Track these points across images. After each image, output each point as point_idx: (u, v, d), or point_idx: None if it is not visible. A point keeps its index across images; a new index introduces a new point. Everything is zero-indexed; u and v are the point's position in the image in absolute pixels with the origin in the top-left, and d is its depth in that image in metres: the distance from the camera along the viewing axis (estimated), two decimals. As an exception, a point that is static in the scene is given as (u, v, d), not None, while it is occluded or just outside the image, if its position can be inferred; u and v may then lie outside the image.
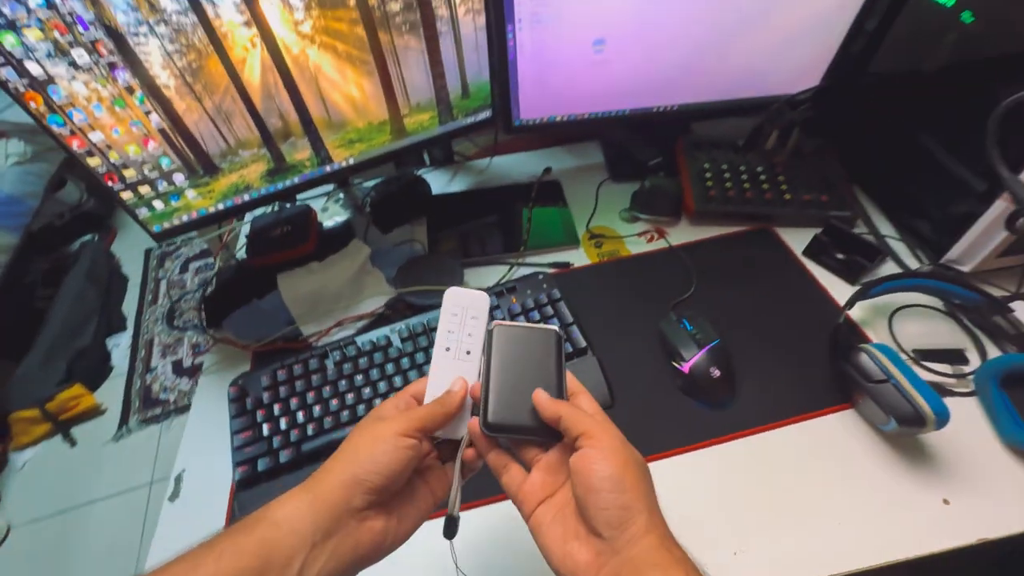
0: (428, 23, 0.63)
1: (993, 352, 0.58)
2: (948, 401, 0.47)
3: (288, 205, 0.78)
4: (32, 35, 0.47)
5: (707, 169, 0.77)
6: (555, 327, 0.38)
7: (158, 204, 0.63)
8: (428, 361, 0.59)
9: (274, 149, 0.66)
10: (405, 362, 0.59)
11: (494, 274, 0.73)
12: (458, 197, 0.85)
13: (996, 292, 0.61)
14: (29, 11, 0.46)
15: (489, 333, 0.37)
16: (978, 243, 0.61)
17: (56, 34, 0.48)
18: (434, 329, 0.61)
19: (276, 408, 0.56)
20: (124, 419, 1.50)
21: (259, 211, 0.82)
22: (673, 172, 0.80)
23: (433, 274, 0.69)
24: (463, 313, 0.38)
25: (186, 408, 1.51)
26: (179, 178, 0.62)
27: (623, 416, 0.56)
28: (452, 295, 0.38)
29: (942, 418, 0.46)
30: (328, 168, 0.71)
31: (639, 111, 0.79)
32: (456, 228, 0.80)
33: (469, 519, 0.48)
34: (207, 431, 0.60)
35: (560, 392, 0.35)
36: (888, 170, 0.75)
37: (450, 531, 0.35)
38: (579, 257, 0.74)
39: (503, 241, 0.77)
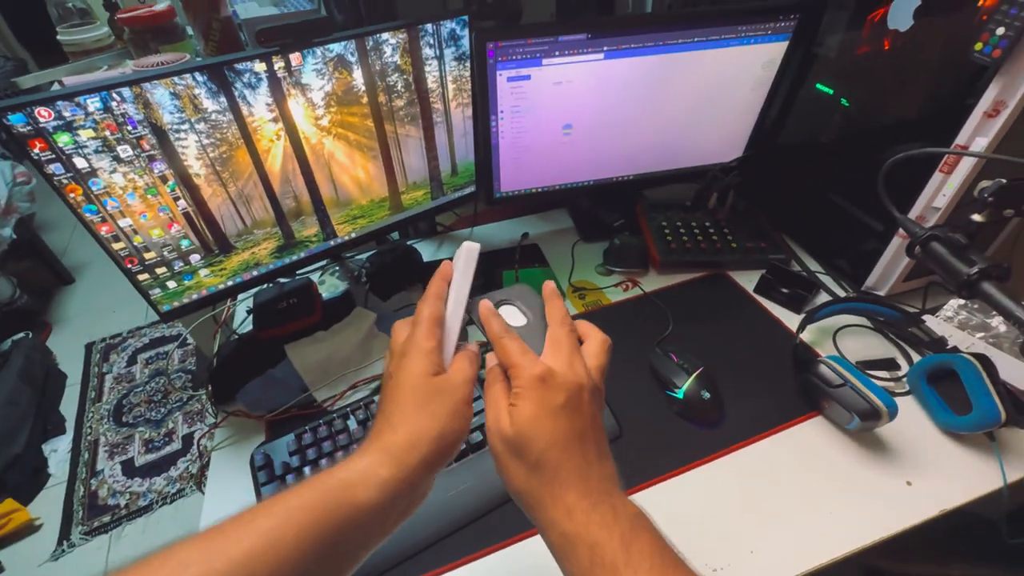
0: (426, 115, 0.74)
1: (916, 357, 0.70)
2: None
3: (285, 280, 0.82)
4: (84, 134, 0.51)
5: (665, 226, 0.90)
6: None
7: (171, 284, 0.66)
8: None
9: (285, 227, 0.71)
10: (427, 414, 0.62)
11: (492, 329, 0.79)
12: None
13: (909, 308, 0.75)
14: (87, 114, 0.51)
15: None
16: (887, 271, 0.76)
17: (107, 132, 0.52)
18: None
19: (307, 470, 0.57)
20: (64, 534, 1.34)
21: (255, 288, 0.84)
22: (636, 230, 0.93)
23: (438, 333, 0.74)
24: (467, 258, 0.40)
25: (141, 512, 1.38)
26: (195, 258, 0.66)
27: (633, 443, 0.62)
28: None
29: (893, 410, 0.56)
30: (332, 243, 0.77)
31: (601, 181, 0.92)
32: (449, 291, 0.86)
33: (490, 563, 0.51)
34: (227, 505, 0.59)
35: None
36: (808, 220, 0.92)
37: None
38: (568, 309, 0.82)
39: (495, 299, 0.84)
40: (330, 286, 0.87)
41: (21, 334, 1.77)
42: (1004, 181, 0.48)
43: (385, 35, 0.63)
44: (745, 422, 0.64)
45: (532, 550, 0.53)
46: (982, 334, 0.70)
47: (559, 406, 0.32)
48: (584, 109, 0.81)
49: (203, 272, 0.67)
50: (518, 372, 0.33)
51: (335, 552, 0.29)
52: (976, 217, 0.51)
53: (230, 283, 0.70)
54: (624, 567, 0.28)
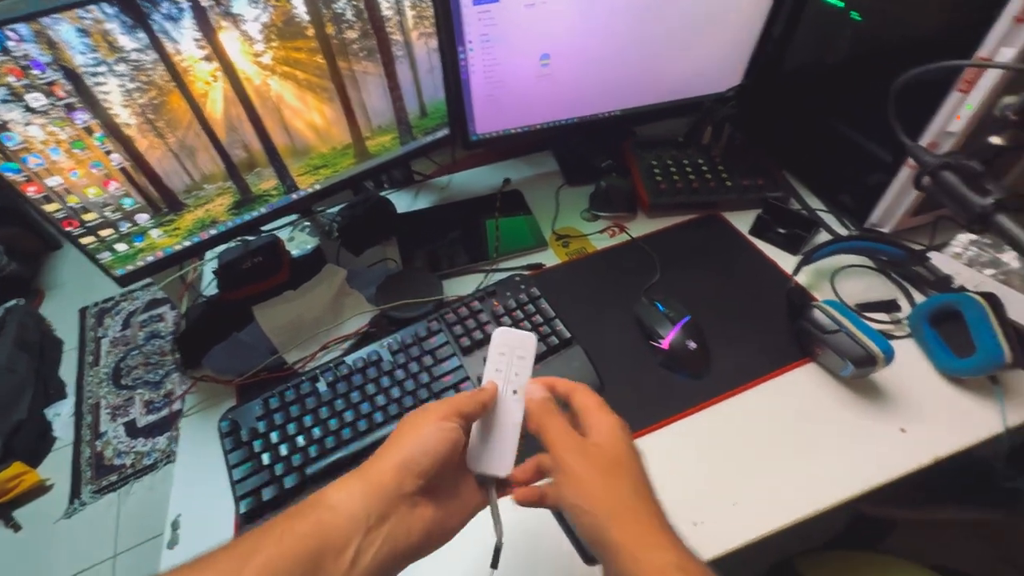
0: (384, 49, 0.66)
1: (919, 298, 0.66)
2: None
3: (252, 238, 0.77)
4: (-16, 82, 0.46)
5: (655, 166, 0.84)
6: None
7: (121, 246, 0.61)
8: (422, 370, 0.60)
9: (240, 181, 0.66)
10: (400, 373, 0.60)
11: (471, 282, 0.75)
12: (425, 214, 0.87)
13: (914, 246, 0.70)
14: (-18, 58, 0.45)
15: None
16: (893, 206, 0.70)
17: (11, 79, 0.47)
18: (424, 339, 0.63)
19: (274, 436, 0.55)
20: (75, 493, 1.38)
21: (223, 247, 0.80)
22: (624, 172, 0.86)
23: (412, 288, 0.71)
24: (510, 353, 0.39)
25: (147, 470, 1.41)
26: (143, 217, 0.61)
27: (614, 396, 0.59)
28: (500, 335, 0.39)
29: (889, 355, 0.53)
30: (295, 196, 0.72)
31: (586, 118, 0.85)
32: (427, 244, 0.82)
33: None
34: (198, 473, 0.58)
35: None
36: (810, 153, 0.85)
37: (495, 561, 0.36)
38: (549, 258, 0.78)
39: (475, 251, 0.79)
40: (300, 243, 0.83)
41: (13, 301, 1.75)
42: (1032, 95, 0.42)
43: (324, -48, 0.55)
44: (733, 372, 0.61)
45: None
46: (992, 271, 0.65)
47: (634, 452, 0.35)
48: (562, 35, 0.73)
49: (155, 233, 0.63)
50: (591, 412, 0.36)
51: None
52: (995, 140, 0.46)
53: (187, 243, 0.66)
54: None
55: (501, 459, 0.36)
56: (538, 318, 0.64)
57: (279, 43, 0.58)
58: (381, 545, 0.29)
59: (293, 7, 0.57)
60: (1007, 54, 0.54)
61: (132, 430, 1.50)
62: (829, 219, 0.79)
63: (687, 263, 0.74)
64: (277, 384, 0.60)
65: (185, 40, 0.53)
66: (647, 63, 0.80)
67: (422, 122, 0.77)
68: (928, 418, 0.55)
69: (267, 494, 0.51)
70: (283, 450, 0.54)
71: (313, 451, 0.54)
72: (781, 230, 0.75)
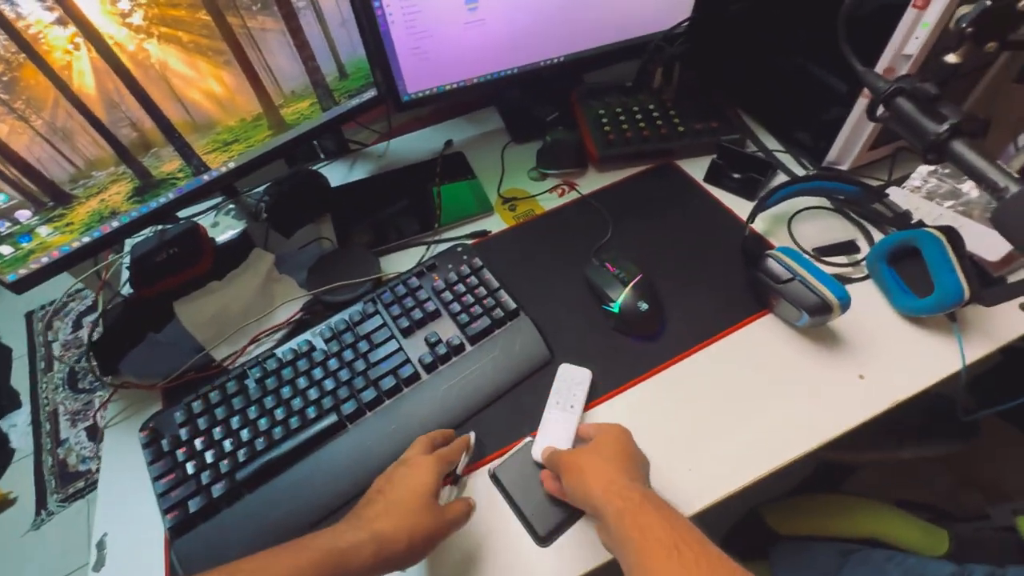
0: (282, 0, 0.58)
1: (878, 237, 0.63)
2: (848, 288, 0.51)
3: (169, 226, 0.71)
4: None
5: (603, 115, 0.78)
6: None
7: (5, 248, 0.54)
8: (357, 357, 0.56)
9: (135, 164, 0.58)
10: (333, 363, 0.55)
11: (413, 256, 0.70)
12: (361, 186, 0.81)
13: (873, 183, 0.66)
14: None
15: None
16: (850, 141, 0.67)
17: None
18: (358, 323, 0.58)
19: (199, 442, 0.51)
20: (41, 503, 1.33)
21: (139, 238, 0.73)
22: (572, 124, 0.80)
23: (347, 268, 0.65)
24: (571, 380, 0.54)
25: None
26: (24, 214, 0.54)
27: (564, 367, 0.56)
28: (564, 371, 0.54)
29: (844, 302, 0.50)
30: (207, 177, 0.65)
31: (527, 68, 0.78)
32: (365, 218, 0.75)
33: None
34: (124, 487, 0.54)
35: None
36: (764, 90, 0.80)
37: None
38: (496, 223, 0.73)
39: (417, 222, 0.74)
40: (225, 227, 0.76)
41: (-51, 312, 1.64)
42: (988, 2, 0.37)
43: None
44: (688, 331, 0.58)
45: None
46: (951, 202, 0.62)
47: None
48: (488, -27, 0.66)
49: (43, 231, 0.56)
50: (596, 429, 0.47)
51: None
52: (951, 58, 0.41)
53: (86, 239, 0.59)
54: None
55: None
56: (481, 290, 0.60)
57: (149, 0, 0.50)
58: None
59: (158, -46, 0.49)
60: (964, -39, 0.49)
61: (94, 434, 1.45)
62: (787, 160, 0.75)
63: (640, 218, 0.70)
64: (205, 383, 0.56)
65: (26, 2, 0.45)
66: (586, 3, 0.73)
67: (343, 84, 0.70)
68: (886, 362, 0.53)
69: (193, 505, 0.48)
70: (209, 457, 0.50)
71: (242, 455, 0.50)
72: (736, 175, 0.71)
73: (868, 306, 0.57)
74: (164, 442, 0.51)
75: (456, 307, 0.59)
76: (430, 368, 0.55)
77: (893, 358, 0.54)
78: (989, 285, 0.56)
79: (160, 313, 0.64)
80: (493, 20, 0.70)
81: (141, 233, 0.72)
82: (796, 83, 0.72)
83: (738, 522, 0.69)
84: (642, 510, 0.36)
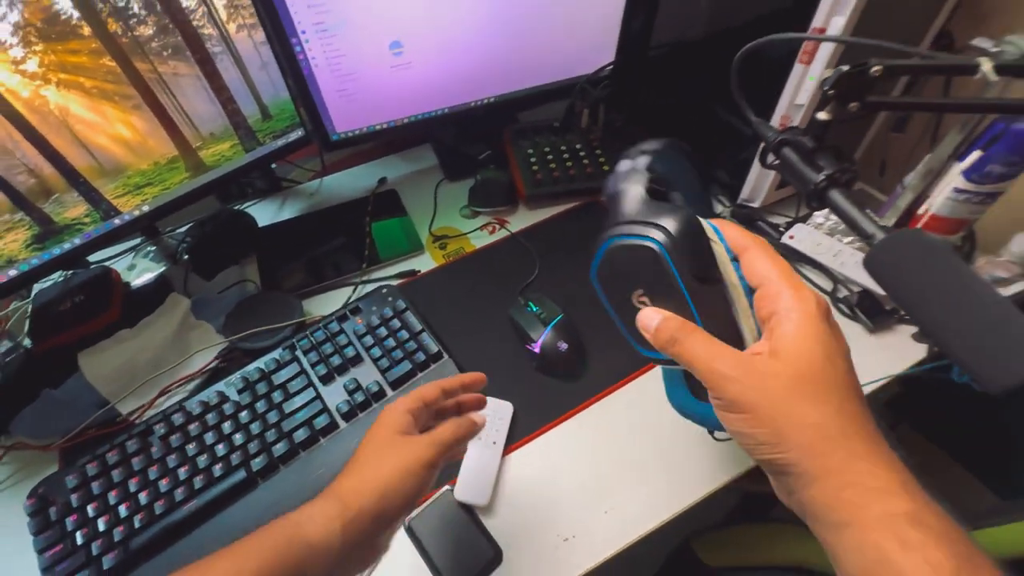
0: (195, 45, 0.58)
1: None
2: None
3: (77, 271, 0.67)
4: None
5: (532, 155, 0.80)
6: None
7: None
8: (271, 408, 0.54)
9: (34, 211, 0.56)
10: (244, 415, 0.53)
11: (341, 297, 0.69)
12: (290, 225, 0.79)
13: (782, 219, 0.70)
14: None
15: None
16: (759, 181, 0.70)
17: None
18: (273, 372, 0.57)
19: (91, 509, 0.48)
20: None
21: (47, 283, 0.70)
22: (504, 162, 0.82)
23: (268, 312, 0.64)
24: (492, 415, 0.53)
25: None
26: (-98, 267, 0.50)
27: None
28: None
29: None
30: (118, 221, 0.62)
31: (457, 108, 0.79)
32: (293, 258, 0.74)
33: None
34: (10, 561, 0.50)
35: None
36: (685, 131, 0.83)
37: None
38: (426, 262, 0.73)
39: (347, 262, 0.73)
40: (143, 270, 0.73)
41: None
42: (844, 68, 0.41)
43: (78, -67, 0.46)
44: (608, 369, 0.59)
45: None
46: (850, 238, 0.66)
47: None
48: (411, 20, 0.67)
49: (-75, 283, 0.52)
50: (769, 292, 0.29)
51: None
52: (822, 115, 0.44)
53: (-23, 290, 0.56)
54: None
55: (482, 493, 0.49)
56: (403, 333, 0.59)
57: (45, 46, 0.49)
58: (353, 566, 0.32)
59: (53, 2, 0.47)
60: (838, 23, 0.53)
61: None
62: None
63: (566, 254, 0.72)
64: (105, 443, 0.52)
65: (-101, 49, 0.43)
66: (513, 47, 0.75)
67: (267, 125, 0.69)
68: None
69: (81, 580, 0.44)
70: (101, 525, 0.47)
71: (139, 521, 0.47)
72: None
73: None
74: (52, 510, 0.48)
75: (377, 351, 0.58)
76: (348, 416, 0.54)
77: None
78: (879, 315, 0.60)
79: (63, 365, 0.60)
80: (420, 64, 0.72)
81: (49, 278, 0.68)
82: (710, 125, 0.76)
83: (671, 552, 0.70)
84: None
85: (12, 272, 0.58)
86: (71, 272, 0.68)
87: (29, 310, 0.70)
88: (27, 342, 0.66)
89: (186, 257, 0.73)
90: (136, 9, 0.52)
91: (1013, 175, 0.55)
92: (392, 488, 0.32)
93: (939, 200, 0.59)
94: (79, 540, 0.46)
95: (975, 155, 0.54)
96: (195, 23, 0.56)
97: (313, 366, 0.57)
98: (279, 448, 0.51)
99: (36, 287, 0.72)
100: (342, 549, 0.31)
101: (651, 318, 0.31)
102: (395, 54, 0.70)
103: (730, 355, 0.27)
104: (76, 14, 0.49)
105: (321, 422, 0.53)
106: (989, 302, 0.31)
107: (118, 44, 0.53)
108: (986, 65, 0.38)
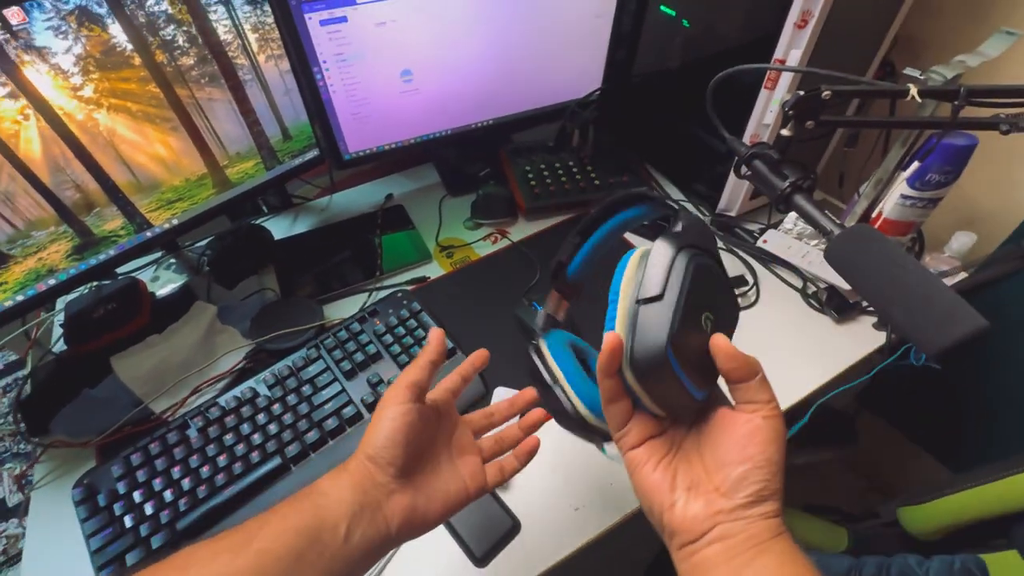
0: (229, 74, 0.64)
1: (763, 271, 0.74)
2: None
3: (107, 282, 0.71)
4: None
5: (529, 171, 0.87)
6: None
7: (-68, 310, 0.54)
8: (301, 401, 0.59)
9: (76, 224, 0.60)
10: (277, 408, 0.58)
11: (355, 303, 0.74)
12: (304, 238, 0.85)
13: (756, 226, 0.78)
14: None
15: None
16: (734, 192, 0.79)
17: None
18: (302, 368, 0.61)
19: (137, 495, 0.51)
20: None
21: (72, 295, 0.73)
22: (502, 179, 0.89)
23: (290, 316, 0.68)
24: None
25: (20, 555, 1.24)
26: (-44, 276, 0.54)
27: (496, 398, 0.61)
28: (499, 393, 0.56)
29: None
30: (149, 233, 0.67)
31: (459, 129, 0.87)
32: (308, 269, 0.79)
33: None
34: (53, 550, 0.53)
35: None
36: (666, 148, 0.92)
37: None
38: (434, 270, 0.79)
39: (359, 271, 0.78)
40: (166, 281, 0.77)
41: None
42: (801, 93, 0.49)
43: (139, -22, 0.52)
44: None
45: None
46: (816, 241, 0.74)
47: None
48: (420, 52, 0.74)
49: (-26, 291, 0.56)
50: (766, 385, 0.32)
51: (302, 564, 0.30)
52: (784, 132, 0.52)
53: (20, 298, 0.60)
54: None
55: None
56: (420, 332, 0.65)
57: (101, 75, 0.54)
58: (367, 528, 0.32)
59: (112, 36, 0.53)
60: (796, 56, 0.62)
61: (3, 511, 1.32)
62: (689, 207, 0.86)
63: (564, 261, 0.78)
64: (144, 436, 0.56)
65: (-22, 77, 0.48)
66: (510, 74, 0.83)
67: (287, 145, 0.75)
68: (771, 374, 0.62)
69: (131, 558, 0.48)
70: (148, 509, 0.50)
71: (183, 504, 0.51)
72: (645, 222, 0.81)
73: (755, 331, 0.67)
74: (100, 497, 0.51)
75: (396, 348, 0.63)
76: (372, 407, 0.59)
77: (775, 374, 0.63)
78: (844, 308, 0.68)
79: (96, 369, 0.64)
80: (427, 90, 0.79)
81: (76, 291, 0.72)
82: (689, 143, 0.85)
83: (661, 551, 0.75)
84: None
85: (51, 281, 0.62)
86: (99, 283, 0.72)
87: (58, 319, 0.74)
88: (56, 349, 0.70)
89: (207, 268, 0.77)
90: (181, 42, 0.58)
91: (949, 182, 0.64)
92: (371, 431, 0.35)
93: (889, 205, 0.68)
94: (128, 523, 0.50)
95: (915, 165, 0.63)
96: (230, 54, 0.63)
97: (337, 363, 0.62)
98: (310, 436, 0.56)
99: (60, 300, 0.75)
100: (351, 502, 0.32)
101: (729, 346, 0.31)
102: (405, 81, 0.77)
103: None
104: (130, 46, 0.55)
105: (348, 412, 0.58)
106: (921, 279, 0.38)
107: (163, 73, 0.58)
108: (913, 90, 0.46)
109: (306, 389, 0.59)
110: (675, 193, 0.89)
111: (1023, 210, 0.70)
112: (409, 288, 0.74)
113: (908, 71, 0.53)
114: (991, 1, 0.72)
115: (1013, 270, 0.61)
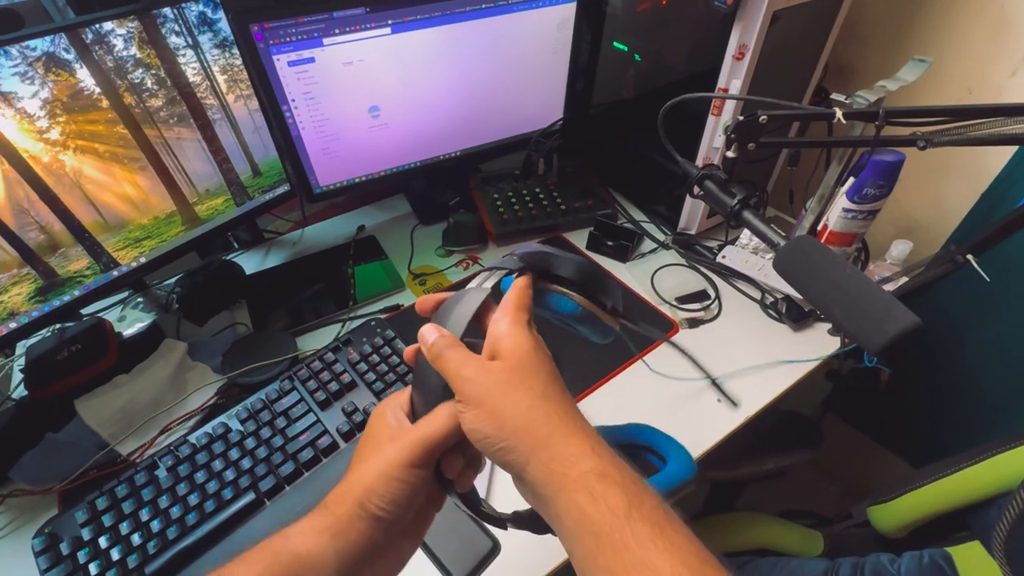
0: (198, 114, 0.65)
1: (724, 286, 0.78)
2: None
3: (71, 324, 0.70)
4: None
5: (497, 199, 0.90)
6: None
7: None
8: (275, 434, 0.58)
9: (40, 265, 0.60)
10: (250, 442, 0.57)
11: (330, 333, 0.74)
12: (276, 272, 0.85)
13: (715, 243, 0.82)
14: None
15: None
16: (692, 212, 0.83)
17: None
18: (275, 400, 0.61)
19: (103, 540, 0.49)
20: None
21: (34, 339, 0.71)
22: (471, 207, 0.92)
23: (263, 350, 0.68)
24: None
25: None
26: (-89, 323, 0.53)
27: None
28: None
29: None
30: (116, 273, 0.67)
31: (428, 161, 0.89)
32: (281, 302, 0.79)
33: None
34: (11, 606, 0.50)
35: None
36: (628, 173, 0.97)
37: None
38: (408, 298, 0.80)
39: (332, 302, 0.79)
40: (134, 320, 0.76)
41: None
42: (741, 118, 0.53)
43: (107, 25, 0.54)
44: (578, 376, 0.67)
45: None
46: (770, 255, 0.79)
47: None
48: (387, 88, 0.77)
49: (-70, 337, 0.55)
50: (497, 333, 0.32)
51: None
52: (730, 153, 0.56)
53: (-22, 343, 0.58)
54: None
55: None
56: (394, 359, 0.65)
57: (68, 117, 0.55)
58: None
59: (79, 80, 0.54)
60: (736, 85, 0.67)
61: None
62: (651, 228, 0.90)
63: (535, 284, 0.80)
64: (110, 479, 0.55)
65: (-58, 123, 0.48)
66: (475, 108, 0.87)
67: (257, 181, 0.76)
68: (736, 383, 0.65)
69: (97, 608, 0.46)
70: (115, 554, 0.49)
71: (153, 546, 0.49)
72: (610, 243, 0.84)
73: (719, 342, 0.70)
74: (63, 544, 0.49)
75: (371, 376, 0.63)
76: (348, 436, 0.59)
77: (741, 383, 0.65)
78: (800, 316, 0.72)
79: (60, 412, 0.62)
80: (395, 124, 0.82)
81: (37, 334, 0.70)
82: (648, 167, 0.89)
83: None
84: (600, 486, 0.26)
85: (11, 324, 0.60)
86: (63, 325, 0.70)
87: (13, 366, 0.72)
88: (16, 395, 0.67)
89: (176, 306, 0.76)
90: (149, 84, 0.59)
91: (884, 195, 0.69)
92: (375, 493, 0.30)
93: (833, 218, 0.73)
94: (93, 571, 0.48)
95: (851, 181, 0.68)
96: (199, 95, 0.64)
97: (312, 393, 0.62)
98: (285, 469, 0.55)
99: (19, 345, 0.73)
100: (338, 558, 0.29)
101: (430, 333, 0.32)
102: (373, 117, 0.79)
103: (472, 361, 0.30)
104: (98, 90, 0.56)
105: (324, 443, 0.57)
106: (860, 283, 0.42)
107: (131, 114, 0.59)
108: (839, 113, 0.51)
109: (280, 421, 0.59)
110: (637, 214, 0.93)
111: (952, 219, 0.76)
112: (383, 316, 0.75)
113: (835, 96, 0.58)
114: (908, 31, 0.79)
115: (944, 273, 0.65)
